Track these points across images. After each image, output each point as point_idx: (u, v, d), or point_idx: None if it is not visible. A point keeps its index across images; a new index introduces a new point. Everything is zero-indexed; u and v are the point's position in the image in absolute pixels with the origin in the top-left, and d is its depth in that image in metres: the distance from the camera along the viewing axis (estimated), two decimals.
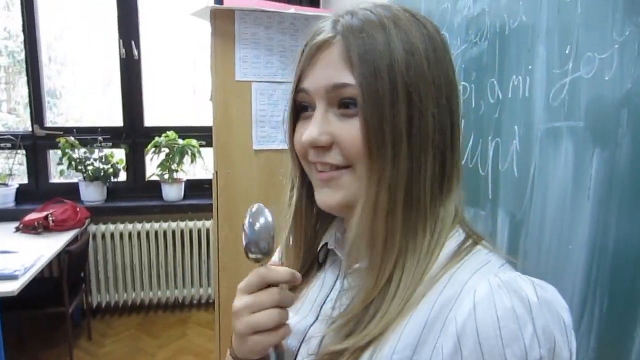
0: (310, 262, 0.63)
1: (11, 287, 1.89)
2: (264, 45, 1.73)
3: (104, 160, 2.94)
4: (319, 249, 0.63)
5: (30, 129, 2.98)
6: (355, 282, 0.52)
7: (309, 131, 0.51)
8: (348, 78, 0.49)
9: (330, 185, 0.53)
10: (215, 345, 1.89)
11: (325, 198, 0.53)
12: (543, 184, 0.67)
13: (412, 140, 0.48)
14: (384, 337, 0.46)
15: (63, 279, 2.38)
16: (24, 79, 3.02)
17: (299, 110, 0.56)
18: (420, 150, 0.48)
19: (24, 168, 3.03)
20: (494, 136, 0.80)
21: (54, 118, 3.23)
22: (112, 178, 2.98)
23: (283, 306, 0.52)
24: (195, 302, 3.20)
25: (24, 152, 2.98)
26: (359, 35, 0.49)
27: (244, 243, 0.53)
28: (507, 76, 0.76)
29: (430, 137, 0.49)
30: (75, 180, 3.00)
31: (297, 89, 0.54)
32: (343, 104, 0.50)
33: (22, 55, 2.97)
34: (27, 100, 2.99)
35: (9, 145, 2.91)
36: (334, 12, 0.54)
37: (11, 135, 2.92)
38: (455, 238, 0.51)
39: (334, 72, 0.50)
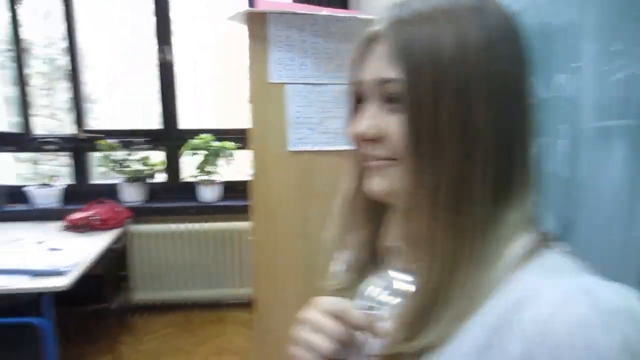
0: (372, 255, 0.62)
1: (61, 282, 1.98)
2: (298, 47, 1.74)
3: (142, 162, 3.03)
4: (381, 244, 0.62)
5: (72, 132, 3.11)
6: (414, 282, 0.52)
7: (357, 124, 0.52)
8: (392, 73, 0.48)
9: (378, 173, 0.52)
10: (253, 344, 1.92)
11: (372, 185, 0.53)
12: (593, 186, 0.65)
13: (458, 140, 0.46)
14: (445, 342, 0.45)
15: (106, 276, 2.46)
16: (63, 85, 3.15)
17: (359, 100, 0.55)
18: (469, 151, 0.46)
19: (68, 169, 3.17)
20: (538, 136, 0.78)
21: (90, 122, 3.35)
22: (148, 179, 3.07)
23: (339, 343, 0.51)
24: (232, 301, 3.25)
25: (67, 154, 3.11)
26: (406, 28, 0.47)
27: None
28: (550, 75, 0.74)
29: (481, 137, 0.46)
30: (115, 181, 3.10)
31: (352, 81, 0.54)
32: (390, 98, 0.50)
33: (62, 62, 3.09)
34: (66, 105, 3.12)
35: (55, 147, 3.05)
36: (367, 13, 0.53)
37: (56, 137, 3.06)
38: (524, 240, 0.47)
39: (380, 66, 0.49)
